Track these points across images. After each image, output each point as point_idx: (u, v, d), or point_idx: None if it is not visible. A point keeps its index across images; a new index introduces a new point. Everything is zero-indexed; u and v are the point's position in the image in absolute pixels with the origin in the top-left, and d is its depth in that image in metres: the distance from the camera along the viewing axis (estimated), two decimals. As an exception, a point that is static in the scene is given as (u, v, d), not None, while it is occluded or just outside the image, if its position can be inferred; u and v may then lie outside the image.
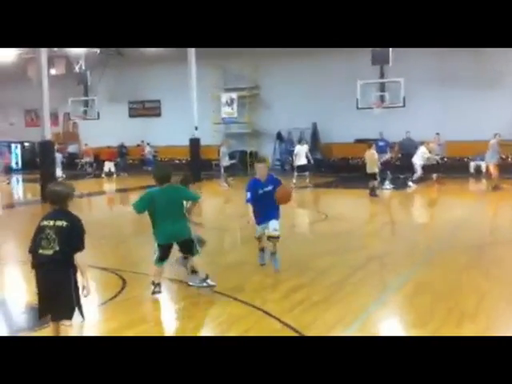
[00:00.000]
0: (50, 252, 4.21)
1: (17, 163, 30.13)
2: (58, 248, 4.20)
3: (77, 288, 4.34)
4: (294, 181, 18.47)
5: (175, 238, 6.38)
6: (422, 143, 18.43)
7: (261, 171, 7.36)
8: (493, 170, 16.60)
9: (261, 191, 7.21)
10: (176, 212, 6.31)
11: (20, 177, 27.07)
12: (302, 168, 18.71)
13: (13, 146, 29.97)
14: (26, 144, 29.78)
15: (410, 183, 17.84)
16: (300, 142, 20.03)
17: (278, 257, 7.54)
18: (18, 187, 24.67)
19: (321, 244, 9.71)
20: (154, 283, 6.49)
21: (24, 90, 25.74)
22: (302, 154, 18.63)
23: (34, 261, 4.32)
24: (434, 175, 18.26)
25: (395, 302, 6.35)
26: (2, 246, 10.44)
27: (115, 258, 8.80)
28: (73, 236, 4.25)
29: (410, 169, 20.24)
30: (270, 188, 7.21)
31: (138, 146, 26.79)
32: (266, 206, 7.16)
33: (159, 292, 6.46)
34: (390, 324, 5.72)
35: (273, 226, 7.28)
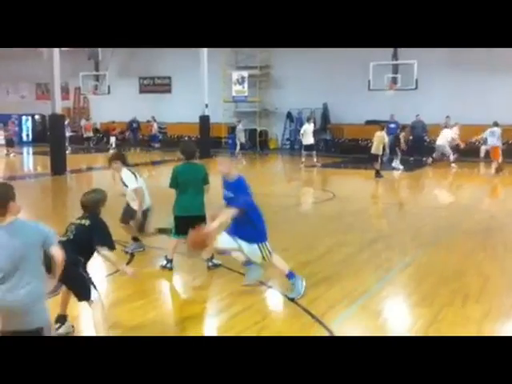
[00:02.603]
0: (64, 238, 4.51)
1: (27, 136, 30.18)
2: (72, 237, 4.54)
3: (85, 270, 4.57)
4: (303, 160, 18.48)
5: (191, 211, 6.47)
6: (451, 127, 18.77)
7: (221, 168, 5.76)
8: (495, 153, 16.89)
9: (224, 192, 5.72)
10: (196, 187, 6.53)
11: (30, 149, 27.17)
12: (309, 147, 18.70)
13: (23, 118, 30.01)
14: (37, 117, 29.82)
15: (453, 164, 18.14)
16: (308, 120, 19.96)
17: (254, 268, 5.70)
18: (28, 159, 24.78)
19: (327, 223, 9.74)
20: (166, 258, 6.57)
21: (35, 63, 25.67)
22: (309, 133, 18.60)
23: None
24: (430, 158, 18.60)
25: (400, 282, 6.40)
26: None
27: (123, 232, 8.85)
28: (93, 234, 4.55)
29: (420, 151, 20.21)
30: (230, 195, 5.58)
31: (148, 122, 26.78)
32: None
33: (170, 268, 6.54)
34: (394, 303, 5.77)
35: (245, 250, 5.53)
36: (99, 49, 25.67)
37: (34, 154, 25.49)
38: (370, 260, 7.21)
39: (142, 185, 7.05)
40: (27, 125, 30.23)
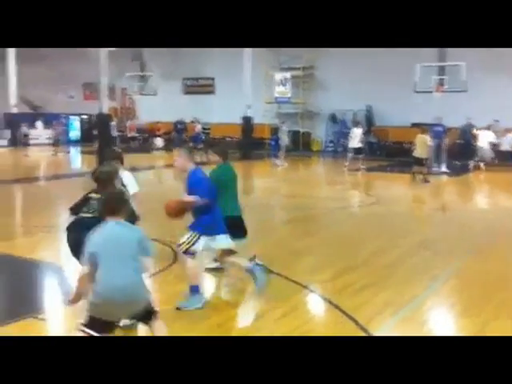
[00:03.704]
0: (89, 215, 4.67)
1: (76, 135, 30.84)
2: (97, 215, 4.52)
3: None
4: (347, 163, 18.32)
5: (238, 211, 6.43)
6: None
7: (176, 163, 5.56)
8: None
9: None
10: (235, 187, 6.52)
11: (78, 148, 27.80)
12: (356, 151, 18.58)
13: (71, 118, 30.73)
14: (84, 117, 30.49)
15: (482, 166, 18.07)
16: (356, 124, 19.85)
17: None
18: (76, 159, 25.36)
19: (372, 227, 9.58)
20: (215, 260, 6.56)
21: (83, 64, 26.33)
22: (357, 137, 18.52)
23: (72, 222, 4.85)
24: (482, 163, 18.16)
25: (446, 290, 6.22)
26: (47, 214, 10.78)
27: (169, 230, 8.88)
28: None
29: (469, 156, 19.67)
30: (187, 192, 5.47)
31: (192, 122, 27.06)
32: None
33: (221, 268, 6.52)
34: (440, 313, 5.60)
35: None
36: (143, 50, 26.08)
37: (82, 153, 26.08)
38: (416, 266, 7.04)
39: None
40: (75, 124, 30.93)
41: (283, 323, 5.02)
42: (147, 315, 3.92)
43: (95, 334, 3.72)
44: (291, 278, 6.26)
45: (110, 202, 3.94)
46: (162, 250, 7.44)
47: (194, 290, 5.40)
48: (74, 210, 4.89)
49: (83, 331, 3.74)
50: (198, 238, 5.33)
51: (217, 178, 6.40)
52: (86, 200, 4.81)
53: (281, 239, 8.58)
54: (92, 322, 3.74)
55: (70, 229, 4.89)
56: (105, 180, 4.82)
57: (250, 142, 22.88)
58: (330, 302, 5.52)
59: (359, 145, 18.61)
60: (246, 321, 5.35)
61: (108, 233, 3.83)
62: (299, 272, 6.56)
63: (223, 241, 5.51)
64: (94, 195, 4.76)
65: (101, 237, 3.81)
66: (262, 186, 15.57)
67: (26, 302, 5.61)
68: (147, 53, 26.68)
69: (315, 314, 5.60)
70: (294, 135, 25.25)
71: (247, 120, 22.73)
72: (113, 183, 4.85)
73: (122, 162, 6.49)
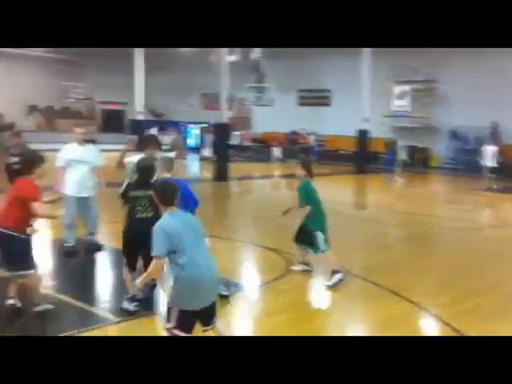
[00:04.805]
0: (149, 215, 4.96)
1: (194, 143, 32.00)
2: (152, 213, 4.89)
3: None
4: (487, 182, 17.45)
5: (323, 224, 6.59)
6: None
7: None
8: None
9: None
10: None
11: (195, 156, 28.83)
12: (491, 170, 17.68)
13: (191, 126, 31.97)
14: (204, 125, 31.59)
15: None
16: (489, 141, 18.84)
17: None
18: (193, 165, 26.32)
19: (496, 251, 8.92)
20: (334, 272, 6.46)
21: (203, 75, 27.33)
22: (489, 155, 17.60)
23: (132, 222, 5.13)
24: None
25: None
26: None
27: (281, 240, 8.86)
28: None
29: None
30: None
31: (305, 134, 27.16)
32: None
33: (341, 280, 6.40)
34: None
35: None
36: (261, 61, 26.67)
37: (201, 160, 26.98)
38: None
39: None
40: (193, 132, 32.15)
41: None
42: (213, 311, 3.91)
43: (174, 326, 3.77)
44: (409, 298, 5.98)
45: (169, 192, 3.94)
46: (276, 260, 7.42)
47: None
48: (125, 196, 5.21)
49: (168, 329, 3.81)
50: None
51: (308, 190, 6.60)
52: (135, 200, 5.05)
53: (398, 257, 8.27)
54: (180, 316, 3.76)
55: (130, 234, 5.15)
56: (153, 171, 5.14)
57: (365, 156, 22.43)
58: (452, 328, 5.19)
59: (492, 163, 17.57)
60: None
61: (180, 219, 3.82)
62: (418, 293, 6.27)
63: None
64: (139, 193, 5.01)
65: (176, 223, 3.78)
66: (378, 202, 15.15)
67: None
68: (265, 64, 27.11)
69: (427, 333, 5.29)
70: (411, 150, 24.39)
71: (363, 133, 22.31)
72: (154, 174, 5.15)
73: (159, 148, 6.12)
